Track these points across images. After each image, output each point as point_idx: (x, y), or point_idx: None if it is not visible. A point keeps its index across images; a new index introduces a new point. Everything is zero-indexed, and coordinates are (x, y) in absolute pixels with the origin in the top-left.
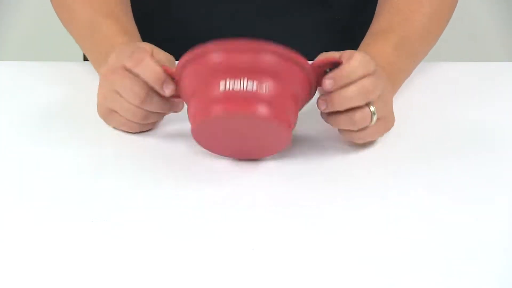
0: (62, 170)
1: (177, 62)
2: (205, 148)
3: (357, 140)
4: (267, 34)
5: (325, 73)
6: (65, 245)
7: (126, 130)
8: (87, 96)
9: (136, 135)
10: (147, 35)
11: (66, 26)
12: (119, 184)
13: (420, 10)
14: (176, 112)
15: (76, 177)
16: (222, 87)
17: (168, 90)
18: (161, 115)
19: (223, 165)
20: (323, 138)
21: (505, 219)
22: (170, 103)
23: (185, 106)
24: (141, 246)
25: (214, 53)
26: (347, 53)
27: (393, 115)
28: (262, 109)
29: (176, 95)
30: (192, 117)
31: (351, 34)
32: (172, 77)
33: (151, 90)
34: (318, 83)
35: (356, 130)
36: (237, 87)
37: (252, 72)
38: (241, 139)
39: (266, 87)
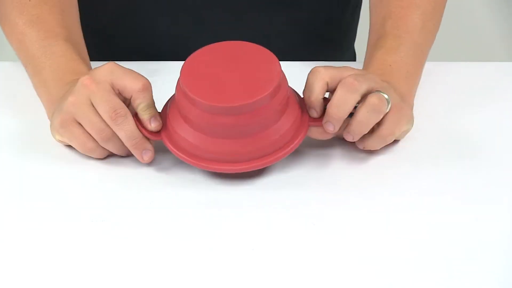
0: (63, 170)
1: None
2: (192, 94)
3: (381, 142)
4: (233, 37)
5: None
6: (65, 245)
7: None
8: None
9: None
10: (112, 42)
11: (12, 41)
12: (120, 184)
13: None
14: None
15: (76, 177)
16: None
17: (146, 157)
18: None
19: None
20: (323, 140)
21: (505, 219)
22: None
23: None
24: (141, 246)
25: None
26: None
27: (409, 113)
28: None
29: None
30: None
31: (317, 32)
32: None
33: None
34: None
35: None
36: None
37: None
38: (231, 73)
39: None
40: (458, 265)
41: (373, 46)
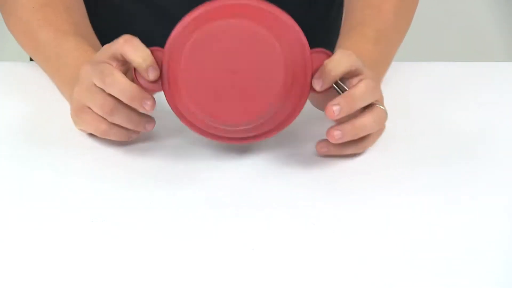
0: (62, 169)
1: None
2: (193, 106)
3: (360, 150)
4: None
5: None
6: (65, 245)
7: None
8: None
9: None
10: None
11: (28, 50)
12: (119, 184)
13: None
14: (146, 130)
15: (76, 176)
16: None
17: (147, 107)
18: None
19: (223, 164)
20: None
21: (505, 219)
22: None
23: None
24: (141, 246)
25: None
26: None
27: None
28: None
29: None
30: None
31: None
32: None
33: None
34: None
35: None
36: None
37: None
38: (236, 58)
39: None
40: (458, 265)
41: (354, 30)
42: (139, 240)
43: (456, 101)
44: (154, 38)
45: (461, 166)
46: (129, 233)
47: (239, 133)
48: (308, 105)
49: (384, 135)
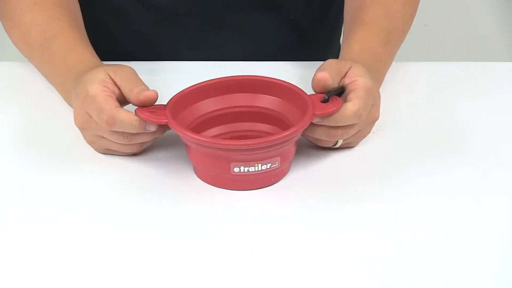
0: (63, 170)
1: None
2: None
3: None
4: (218, 38)
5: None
6: (65, 245)
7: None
8: None
9: None
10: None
11: (22, 50)
12: (119, 184)
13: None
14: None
15: (76, 177)
16: None
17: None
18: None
19: None
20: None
21: (505, 219)
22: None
23: None
24: (141, 246)
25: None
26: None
27: (379, 111)
28: None
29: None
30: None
31: (302, 32)
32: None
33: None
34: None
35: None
36: None
37: None
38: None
39: None
40: (458, 265)
41: (364, 27)
42: (139, 240)
43: (456, 101)
44: (153, 41)
45: (460, 165)
46: (129, 233)
47: None
48: None
49: (384, 134)
